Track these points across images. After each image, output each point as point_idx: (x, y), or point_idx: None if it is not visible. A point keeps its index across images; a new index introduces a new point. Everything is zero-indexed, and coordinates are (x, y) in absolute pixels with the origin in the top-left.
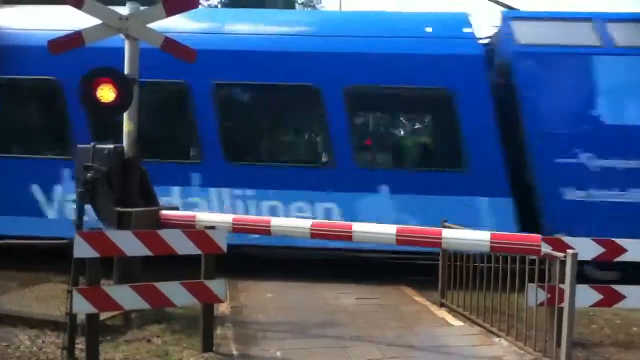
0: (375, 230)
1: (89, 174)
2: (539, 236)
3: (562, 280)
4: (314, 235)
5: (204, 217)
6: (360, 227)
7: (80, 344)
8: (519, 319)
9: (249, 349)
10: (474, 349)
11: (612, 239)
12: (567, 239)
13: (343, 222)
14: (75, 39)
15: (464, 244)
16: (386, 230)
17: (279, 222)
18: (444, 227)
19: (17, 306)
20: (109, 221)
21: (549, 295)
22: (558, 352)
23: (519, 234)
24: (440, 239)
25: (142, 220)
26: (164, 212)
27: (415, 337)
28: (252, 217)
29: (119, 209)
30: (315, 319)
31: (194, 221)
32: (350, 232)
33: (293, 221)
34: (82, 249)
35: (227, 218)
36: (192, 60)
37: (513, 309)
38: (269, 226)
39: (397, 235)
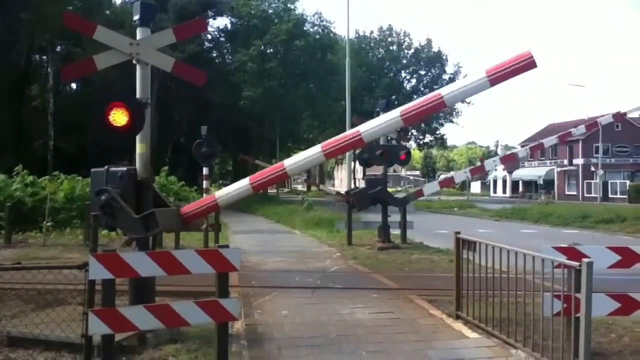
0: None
1: (102, 197)
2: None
3: (578, 290)
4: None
5: (221, 192)
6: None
7: None
8: (535, 330)
9: None
10: None
11: (628, 246)
12: (581, 248)
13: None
14: (87, 64)
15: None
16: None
17: (292, 161)
18: None
19: (35, 329)
20: (134, 230)
21: (565, 305)
22: None
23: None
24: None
25: (167, 217)
26: (183, 207)
27: (432, 350)
28: (266, 170)
29: (140, 215)
30: (331, 335)
31: (215, 200)
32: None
33: (307, 152)
34: (97, 271)
35: (244, 182)
36: (202, 83)
37: (530, 319)
38: (284, 168)
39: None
